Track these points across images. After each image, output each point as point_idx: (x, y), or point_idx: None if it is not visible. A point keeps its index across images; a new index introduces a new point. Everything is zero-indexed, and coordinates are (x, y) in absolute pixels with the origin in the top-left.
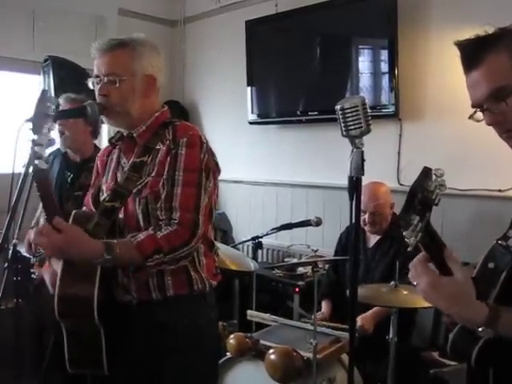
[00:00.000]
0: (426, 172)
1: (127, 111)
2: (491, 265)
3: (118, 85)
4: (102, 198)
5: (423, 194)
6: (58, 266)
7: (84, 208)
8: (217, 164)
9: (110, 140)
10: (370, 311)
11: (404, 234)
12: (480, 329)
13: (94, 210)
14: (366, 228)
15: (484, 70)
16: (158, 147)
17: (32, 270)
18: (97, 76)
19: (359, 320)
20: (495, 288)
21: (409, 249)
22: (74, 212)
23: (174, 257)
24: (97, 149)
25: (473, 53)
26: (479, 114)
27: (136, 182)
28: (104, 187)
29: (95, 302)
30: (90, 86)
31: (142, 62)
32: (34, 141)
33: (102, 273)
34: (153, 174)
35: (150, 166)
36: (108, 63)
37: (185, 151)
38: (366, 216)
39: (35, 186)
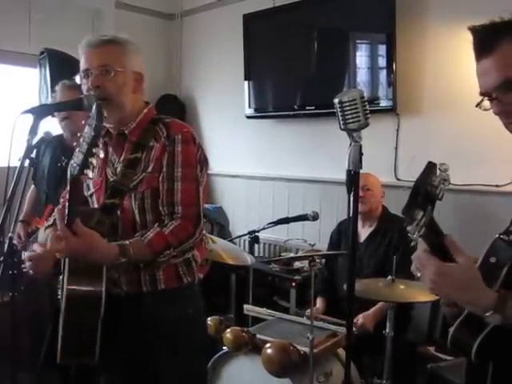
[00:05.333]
0: (431, 167)
1: (122, 104)
2: (493, 259)
3: (112, 75)
4: (88, 193)
5: (427, 188)
6: (39, 248)
7: (61, 200)
8: (206, 158)
9: None
10: (372, 309)
11: (408, 228)
12: (487, 314)
13: None
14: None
15: (496, 58)
16: (151, 144)
17: (23, 266)
18: (86, 70)
19: (361, 318)
20: (496, 282)
21: (412, 243)
22: None
23: (181, 250)
24: None
25: (486, 39)
26: (486, 103)
27: (132, 178)
28: (90, 182)
29: (103, 299)
30: (78, 81)
31: (131, 59)
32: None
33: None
34: (149, 170)
35: (144, 162)
36: (101, 56)
37: (181, 148)
38: None
39: (69, 186)
